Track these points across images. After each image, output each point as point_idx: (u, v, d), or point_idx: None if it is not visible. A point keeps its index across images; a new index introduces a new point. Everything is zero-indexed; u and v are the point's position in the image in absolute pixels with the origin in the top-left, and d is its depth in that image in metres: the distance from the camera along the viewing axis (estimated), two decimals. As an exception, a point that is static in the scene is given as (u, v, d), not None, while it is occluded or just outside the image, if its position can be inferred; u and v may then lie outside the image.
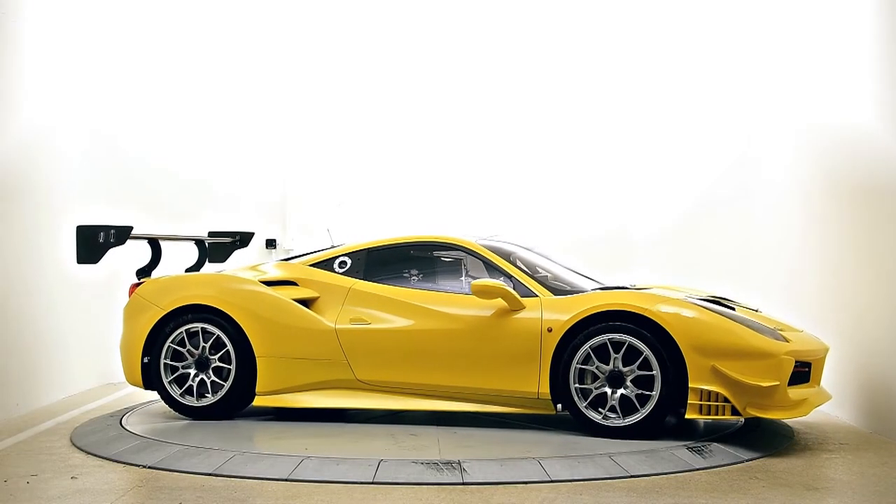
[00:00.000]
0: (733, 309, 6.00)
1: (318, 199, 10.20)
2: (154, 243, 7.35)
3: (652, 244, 9.94)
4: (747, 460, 5.32)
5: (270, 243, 10.05)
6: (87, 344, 8.76)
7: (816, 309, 7.17)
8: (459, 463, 5.06)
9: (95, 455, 5.58)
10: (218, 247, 8.37)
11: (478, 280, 6.10)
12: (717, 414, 5.55)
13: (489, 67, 10.31)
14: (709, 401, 5.56)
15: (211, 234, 8.28)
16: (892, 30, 6.16)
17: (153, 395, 7.93)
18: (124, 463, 5.34)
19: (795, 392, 5.62)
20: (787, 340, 5.67)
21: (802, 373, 5.75)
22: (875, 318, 6.29)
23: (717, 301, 6.23)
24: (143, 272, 7.25)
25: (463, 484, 4.77)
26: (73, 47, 8.66)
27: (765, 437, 5.88)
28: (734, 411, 5.53)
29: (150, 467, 5.21)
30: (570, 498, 4.52)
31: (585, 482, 4.81)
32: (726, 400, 5.52)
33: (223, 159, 9.91)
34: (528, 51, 10.31)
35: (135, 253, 7.74)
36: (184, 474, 5.06)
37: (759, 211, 8.42)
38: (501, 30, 10.34)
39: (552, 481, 4.81)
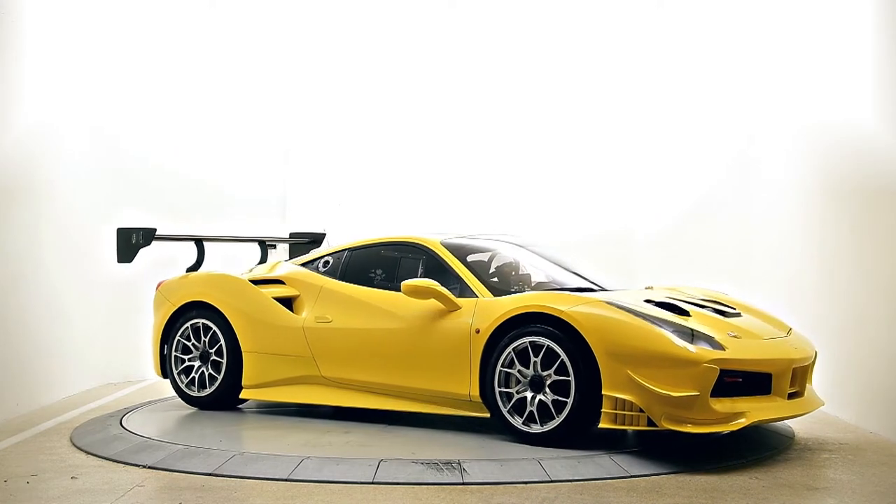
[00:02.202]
0: (690, 308, 5.71)
1: (318, 199, 10.19)
2: (199, 243, 7.73)
3: (653, 244, 9.93)
4: (747, 460, 5.32)
5: (271, 245, 10.04)
6: (87, 344, 8.76)
7: (817, 308, 7.17)
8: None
9: (95, 455, 5.58)
10: (298, 247, 8.76)
11: (409, 280, 6.10)
12: (631, 424, 5.22)
13: (491, 67, 10.31)
14: (623, 410, 5.23)
15: (292, 236, 8.81)
16: (892, 30, 6.16)
17: (152, 396, 7.96)
18: (124, 463, 5.34)
19: (727, 404, 5.17)
20: (723, 348, 5.23)
21: (736, 384, 5.26)
22: (875, 318, 6.29)
23: (708, 302, 6.09)
24: (191, 270, 7.60)
25: (463, 484, 4.77)
26: (74, 47, 8.66)
27: (765, 437, 5.88)
28: (650, 422, 5.18)
29: (150, 467, 5.21)
30: (570, 498, 4.52)
31: (585, 482, 4.81)
32: (642, 410, 5.18)
33: (224, 159, 9.91)
34: (531, 50, 10.30)
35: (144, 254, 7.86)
36: (184, 474, 5.05)
37: (760, 211, 8.42)
38: (503, 29, 10.33)
39: (552, 481, 4.81)
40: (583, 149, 10.28)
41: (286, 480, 4.88)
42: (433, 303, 6.06)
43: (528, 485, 4.77)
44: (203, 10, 9.86)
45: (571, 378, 5.38)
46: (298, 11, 10.13)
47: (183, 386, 7.07)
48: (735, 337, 5.48)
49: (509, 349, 5.62)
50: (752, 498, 4.52)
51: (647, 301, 5.76)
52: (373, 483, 4.81)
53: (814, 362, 5.98)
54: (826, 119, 7.13)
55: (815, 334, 6.71)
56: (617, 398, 5.25)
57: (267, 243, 9.96)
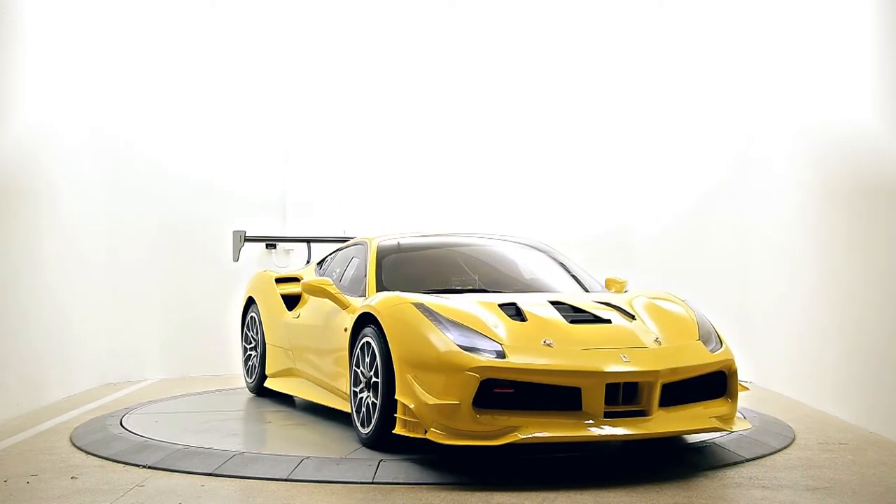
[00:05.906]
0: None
1: (318, 198, 10.19)
2: (308, 244, 8.82)
3: (652, 243, 9.93)
4: (748, 460, 5.32)
5: (270, 244, 10.04)
6: (87, 344, 8.76)
7: (816, 308, 7.17)
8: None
9: (95, 455, 5.58)
10: None
11: (307, 279, 6.35)
12: (415, 431, 4.92)
13: (491, 67, 10.30)
14: (408, 416, 4.95)
15: None
16: (892, 30, 6.16)
17: (152, 396, 7.96)
18: (124, 463, 5.34)
19: (489, 418, 4.72)
20: (504, 356, 4.80)
21: (507, 394, 4.79)
22: (875, 318, 6.29)
23: (608, 307, 5.48)
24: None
25: (463, 484, 4.77)
26: (74, 47, 8.66)
27: (765, 437, 5.88)
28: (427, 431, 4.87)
29: (150, 467, 5.21)
30: (569, 498, 4.52)
31: (585, 482, 4.81)
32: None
33: (224, 159, 9.91)
34: (530, 50, 10.30)
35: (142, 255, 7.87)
36: (184, 474, 5.06)
37: (760, 210, 8.43)
38: (503, 30, 10.33)
39: (552, 481, 4.81)
40: (583, 148, 10.27)
41: (286, 480, 4.88)
42: (329, 302, 6.29)
43: (528, 485, 4.76)
44: (203, 10, 9.86)
45: (380, 380, 5.21)
46: (298, 12, 10.13)
47: (243, 372, 7.94)
48: (547, 345, 4.94)
49: (357, 348, 5.59)
50: (752, 498, 4.52)
51: (506, 304, 5.34)
52: (373, 483, 4.81)
53: (722, 377, 5.32)
54: (826, 119, 7.14)
55: (814, 334, 6.72)
56: (405, 404, 4.99)
57: (267, 243, 9.98)
